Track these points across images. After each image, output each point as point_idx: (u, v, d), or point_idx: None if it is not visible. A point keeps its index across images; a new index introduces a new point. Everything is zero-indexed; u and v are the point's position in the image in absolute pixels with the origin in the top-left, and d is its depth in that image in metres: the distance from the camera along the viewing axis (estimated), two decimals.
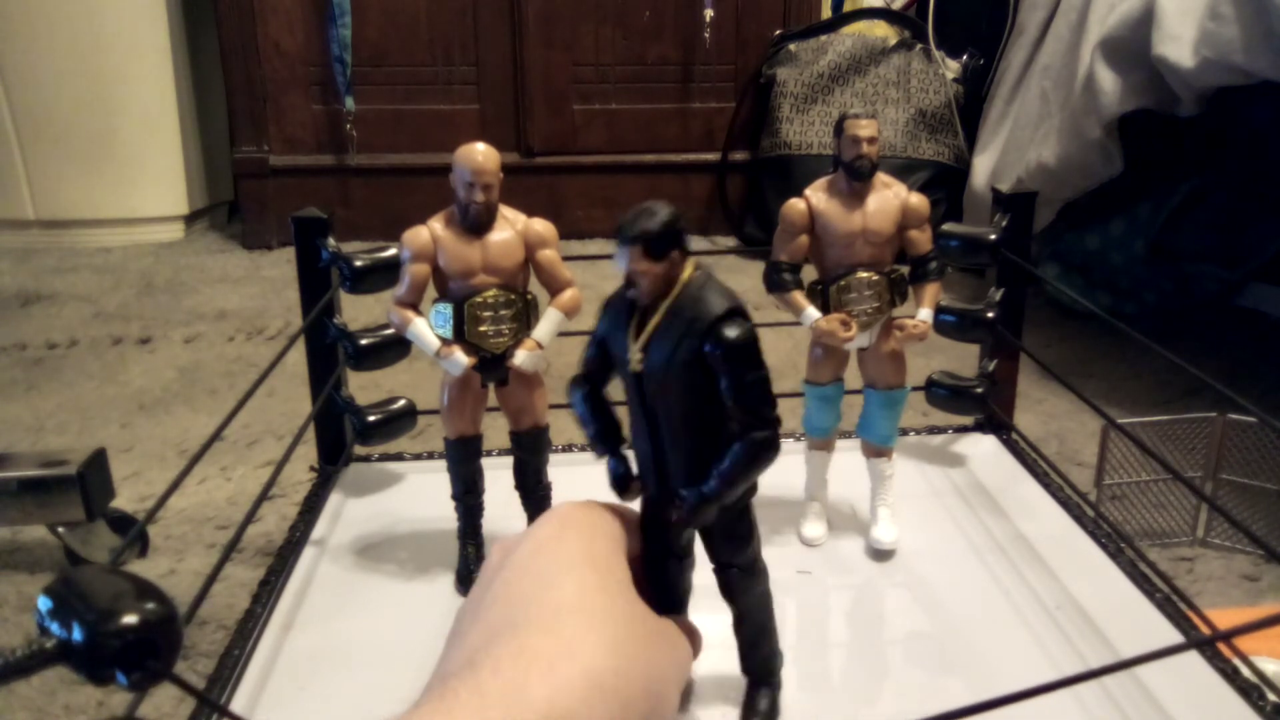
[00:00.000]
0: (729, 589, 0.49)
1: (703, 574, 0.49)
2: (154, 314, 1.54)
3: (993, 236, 0.76)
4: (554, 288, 0.62)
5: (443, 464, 0.65)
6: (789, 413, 0.51)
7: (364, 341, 0.73)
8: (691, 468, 0.45)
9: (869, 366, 0.68)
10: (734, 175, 1.99)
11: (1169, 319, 1.46)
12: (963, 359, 0.92)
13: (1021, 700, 0.28)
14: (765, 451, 0.43)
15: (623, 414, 0.48)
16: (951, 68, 1.85)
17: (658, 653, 0.41)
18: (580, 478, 0.75)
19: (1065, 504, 0.73)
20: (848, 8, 1.98)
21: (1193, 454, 0.83)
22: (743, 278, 0.87)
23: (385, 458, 0.82)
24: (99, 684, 0.27)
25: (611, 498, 0.48)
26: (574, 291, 0.62)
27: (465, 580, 0.64)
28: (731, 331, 0.42)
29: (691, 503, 0.44)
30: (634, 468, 0.48)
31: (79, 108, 1.88)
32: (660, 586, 0.49)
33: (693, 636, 0.49)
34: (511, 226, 0.60)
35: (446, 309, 0.60)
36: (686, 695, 0.51)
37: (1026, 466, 0.78)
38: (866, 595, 0.63)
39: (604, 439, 0.48)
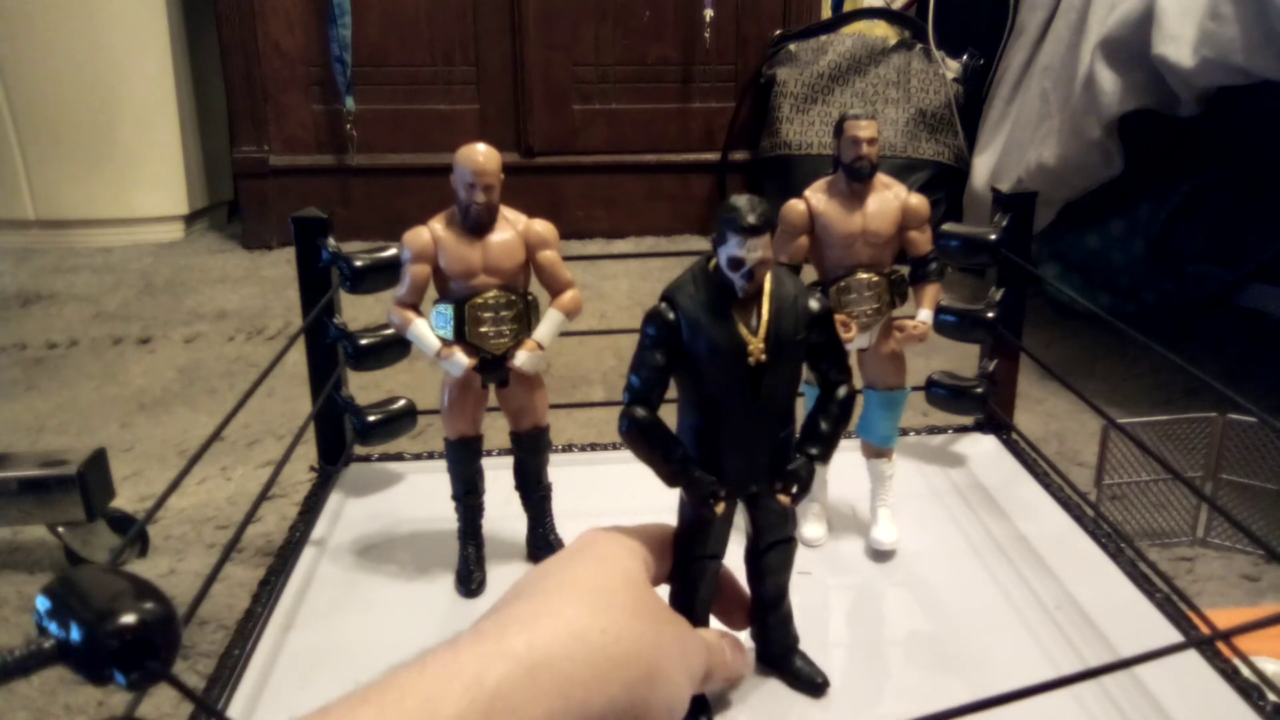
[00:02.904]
0: (780, 566, 0.51)
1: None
2: (154, 314, 1.54)
3: (993, 236, 0.76)
4: (555, 288, 0.62)
5: (443, 464, 0.65)
6: None
7: (364, 341, 0.73)
8: (785, 449, 0.48)
9: (869, 367, 0.68)
10: (734, 175, 1.99)
11: (1169, 319, 1.46)
12: (963, 359, 0.92)
13: (1021, 699, 0.28)
14: (853, 403, 0.48)
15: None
16: (951, 68, 1.85)
17: (657, 626, 0.41)
18: (580, 478, 0.75)
19: (1065, 504, 0.73)
20: (848, 8, 1.98)
21: (1193, 454, 0.83)
22: None
23: (385, 458, 0.82)
24: (97, 684, 0.27)
25: (618, 504, 0.48)
26: (575, 292, 0.62)
27: (465, 580, 0.64)
28: (821, 300, 0.47)
29: (806, 473, 0.47)
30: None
31: (79, 108, 1.88)
32: (695, 601, 0.50)
33: (739, 651, 0.49)
34: (512, 227, 0.60)
35: (447, 309, 0.60)
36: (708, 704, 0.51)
37: (1026, 466, 0.78)
38: (866, 595, 0.63)
39: (689, 457, 0.47)
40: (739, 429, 0.46)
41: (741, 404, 0.46)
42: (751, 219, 0.43)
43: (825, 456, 0.48)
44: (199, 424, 1.13)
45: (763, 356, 0.45)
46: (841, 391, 0.48)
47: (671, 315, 0.45)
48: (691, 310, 0.45)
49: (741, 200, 0.44)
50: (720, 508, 0.47)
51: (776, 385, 0.46)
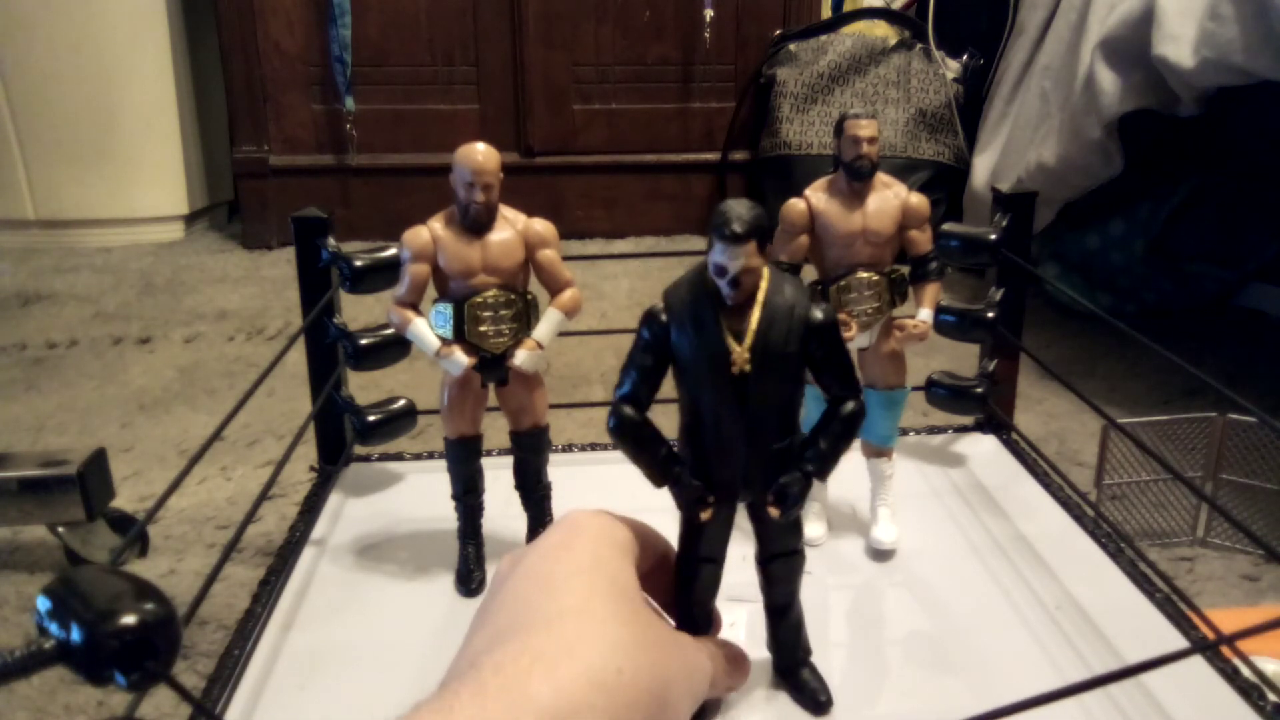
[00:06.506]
0: (786, 576, 0.50)
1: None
2: (154, 314, 1.54)
3: (993, 236, 0.76)
4: (554, 288, 0.62)
5: (443, 464, 0.65)
6: None
7: (364, 341, 0.73)
8: (783, 460, 0.46)
9: (869, 367, 0.68)
10: (734, 175, 1.99)
11: (1169, 319, 1.46)
12: (963, 359, 0.92)
13: (1029, 709, 0.28)
14: (859, 421, 0.46)
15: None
16: (951, 68, 1.85)
17: (665, 657, 0.41)
18: (580, 478, 0.75)
19: (1065, 504, 0.73)
20: (848, 8, 1.98)
21: (1193, 454, 0.83)
22: None
23: (385, 458, 0.82)
24: (97, 684, 0.27)
25: (618, 504, 0.48)
26: (574, 291, 0.62)
27: (465, 580, 0.64)
28: (825, 310, 0.44)
29: (798, 490, 0.46)
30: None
31: (79, 108, 1.88)
32: (692, 604, 0.49)
33: (738, 661, 0.49)
34: (511, 226, 0.60)
35: (446, 309, 0.60)
36: (711, 711, 0.51)
37: (1026, 466, 0.78)
38: (866, 595, 0.63)
39: (675, 458, 0.46)
40: (725, 437, 0.45)
41: (726, 413, 0.45)
42: (736, 227, 0.41)
43: (822, 473, 0.46)
44: (199, 424, 1.13)
45: (747, 367, 0.43)
46: (847, 407, 0.46)
47: (664, 317, 0.45)
48: (681, 313, 0.44)
49: (733, 205, 0.43)
50: (707, 514, 0.46)
51: (765, 397, 0.44)
